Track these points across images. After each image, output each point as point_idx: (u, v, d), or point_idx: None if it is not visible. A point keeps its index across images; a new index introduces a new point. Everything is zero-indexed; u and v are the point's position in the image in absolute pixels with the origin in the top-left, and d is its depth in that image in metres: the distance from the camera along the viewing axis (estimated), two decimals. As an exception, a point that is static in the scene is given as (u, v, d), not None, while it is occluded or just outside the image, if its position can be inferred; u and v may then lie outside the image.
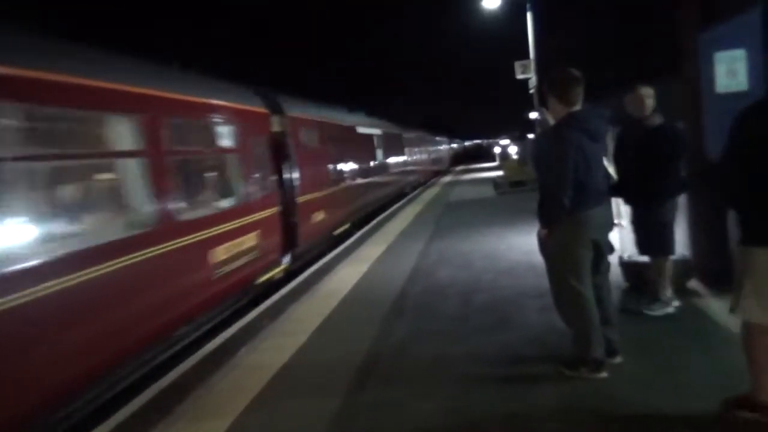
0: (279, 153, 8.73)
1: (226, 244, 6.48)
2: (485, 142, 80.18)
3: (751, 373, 3.04)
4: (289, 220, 8.80)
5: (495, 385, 3.81)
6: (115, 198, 5.25)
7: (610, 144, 5.08)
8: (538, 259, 4.18)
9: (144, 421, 3.98)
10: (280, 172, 8.75)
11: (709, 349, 3.99)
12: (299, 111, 10.16)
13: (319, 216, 10.37)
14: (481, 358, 4.32)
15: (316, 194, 10.31)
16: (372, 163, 16.80)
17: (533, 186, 12.06)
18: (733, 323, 4.10)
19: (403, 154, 23.79)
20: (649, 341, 4.25)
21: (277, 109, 9.00)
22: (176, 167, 5.83)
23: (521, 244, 8.46)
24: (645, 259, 5.06)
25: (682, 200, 4.99)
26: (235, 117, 7.33)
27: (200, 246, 5.93)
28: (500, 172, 23.85)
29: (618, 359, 3.83)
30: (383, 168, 18.63)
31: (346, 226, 12.73)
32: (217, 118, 6.98)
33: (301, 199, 9.36)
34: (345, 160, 13.19)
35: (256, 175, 7.73)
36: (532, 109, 20.89)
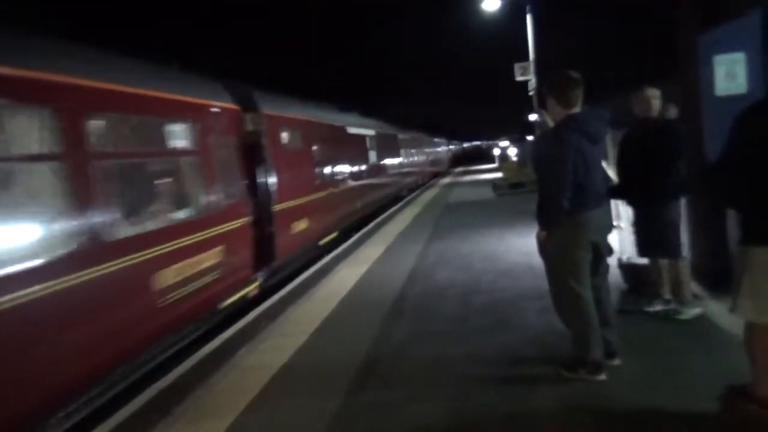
0: (252, 155, 7.83)
1: (178, 265, 5.52)
2: (484, 143, 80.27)
3: (752, 371, 3.07)
4: (264, 231, 7.88)
5: (494, 386, 3.82)
6: (11, 214, 3.96)
7: (610, 146, 5.10)
8: (537, 260, 4.19)
9: (143, 421, 3.98)
10: (253, 177, 7.83)
11: (708, 351, 3.99)
12: (278, 108, 9.20)
13: (301, 225, 9.42)
14: (480, 359, 4.33)
15: (298, 201, 9.37)
16: (364, 166, 15.68)
17: (532, 187, 12.07)
18: (732, 324, 4.12)
19: (398, 155, 22.95)
20: (647, 343, 4.26)
21: (251, 106, 8.05)
22: (107, 173, 4.81)
23: (520, 246, 8.47)
24: (644, 261, 5.07)
25: (681, 202, 4.99)
26: (194, 113, 6.38)
27: (140, 269, 4.95)
28: (499, 174, 23.90)
29: (617, 361, 3.84)
30: (376, 171, 17.54)
31: (334, 235, 11.77)
32: (169, 115, 6.02)
33: (279, 207, 8.39)
34: (333, 163, 12.09)
35: (221, 182, 6.75)
36: (532, 110, 20.90)
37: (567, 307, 3.78)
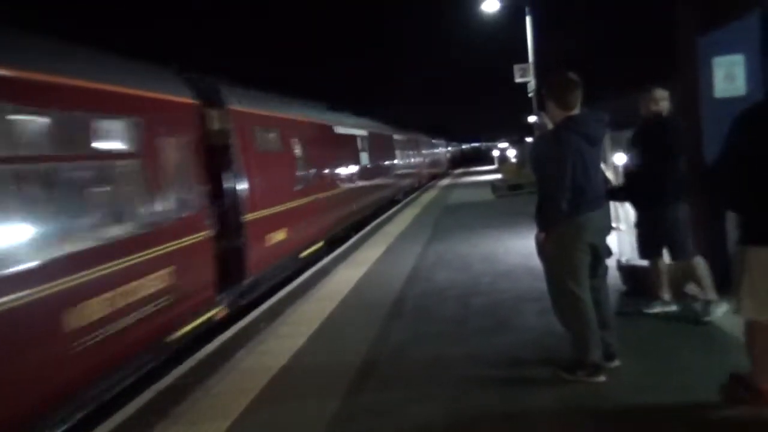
0: (218, 158, 6.92)
1: (104, 296, 4.52)
2: (483, 145, 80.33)
3: (751, 367, 3.15)
4: (232, 245, 7.01)
5: (494, 388, 3.82)
6: None
7: (609, 148, 5.09)
8: (536, 262, 4.19)
9: (142, 423, 3.97)
10: (218, 184, 6.90)
11: (707, 352, 4.00)
12: (251, 105, 8.22)
13: (278, 235, 8.46)
14: (480, 361, 4.32)
15: (275, 209, 8.38)
16: (354, 169, 14.59)
17: (531, 189, 12.09)
18: (731, 325, 4.13)
19: (394, 157, 22.11)
20: (646, 344, 4.26)
21: (217, 102, 7.17)
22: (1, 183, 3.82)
23: (520, 247, 8.47)
24: (644, 262, 5.07)
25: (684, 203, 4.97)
26: (134, 108, 5.31)
27: (42, 306, 3.91)
28: (499, 175, 23.93)
29: (615, 363, 3.83)
30: (368, 174, 16.32)
31: (320, 245, 10.74)
32: (96, 109, 4.88)
33: (251, 217, 7.48)
34: (317, 166, 11.00)
35: (172, 190, 5.77)
36: (531, 112, 20.93)
37: (566, 308, 3.78)
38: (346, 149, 14.18)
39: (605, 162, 5.34)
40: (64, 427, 4.24)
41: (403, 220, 14.49)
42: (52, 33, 5.04)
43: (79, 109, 4.66)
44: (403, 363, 4.49)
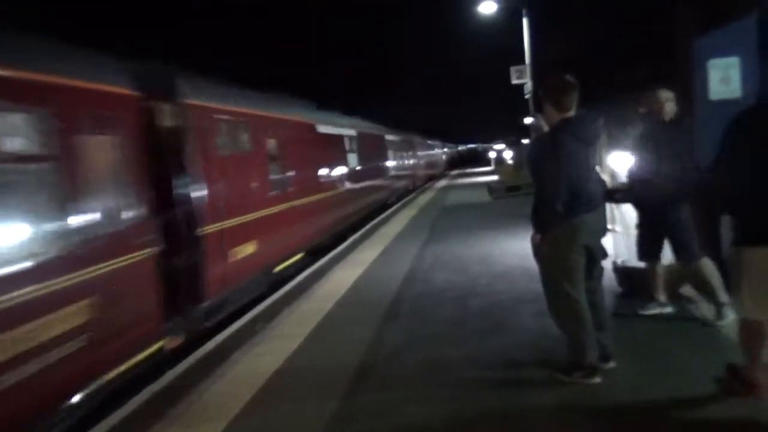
0: (170, 160, 5.97)
1: None
2: (480, 146, 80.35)
3: (747, 363, 3.21)
4: (185, 263, 6.01)
5: (491, 389, 3.83)
6: None
7: (606, 150, 5.09)
8: (532, 263, 4.20)
9: (136, 425, 3.96)
10: (167, 191, 5.85)
11: (703, 353, 4.00)
12: (213, 99, 7.17)
13: (247, 249, 7.46)
14: (477, 362, 4.33)
15: (242, 218, 7.37)
16: (340, 171, 13.44)
17: (528, 191, 12.10)
18: (728, 326, 4.15)
19: (386, 158, 21.00)
20: (642, 345, 4.27)
21: (169, 94, 6.13)
22: None
23: (516, 249, 8.47)
24: (640, 264, 5.07)
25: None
26: (39, 99, 4.19)
27: None
28: (495, 177, 23.95)
29: (611, 364, 3.84)
30: (356, 176, 15.08)
31: (299, 257, 9.76)
32: None
33: (210, 229, 6.44)
34: (295, 169, 9.85)
35: (98, 201, 4.70)
36: (528, 114, 20.97)
37: (561, 310, 3.79)
38: (331, 150, 12.92)
39: (601, 164, 5.35)
40: (61, 428, 4.22)
41: (400, 221, 14.49)
42: (52, 33, 5.00)
43: None
44: (401, 364, 4.49)
